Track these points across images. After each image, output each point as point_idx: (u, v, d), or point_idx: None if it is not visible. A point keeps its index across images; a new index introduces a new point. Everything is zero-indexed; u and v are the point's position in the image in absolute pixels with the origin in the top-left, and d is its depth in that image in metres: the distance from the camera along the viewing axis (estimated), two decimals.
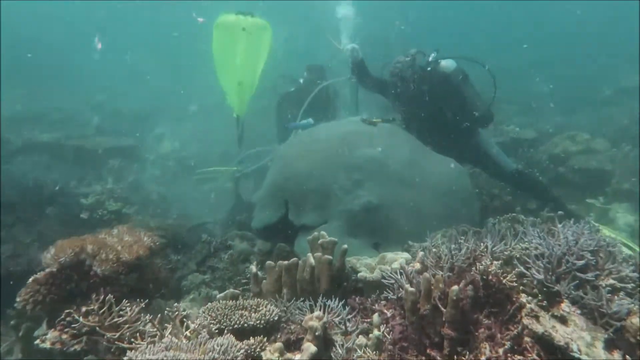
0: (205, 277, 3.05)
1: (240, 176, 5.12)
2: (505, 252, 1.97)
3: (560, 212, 3.10)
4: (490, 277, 1.82)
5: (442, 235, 2.87)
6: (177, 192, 6.26)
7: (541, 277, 1.64)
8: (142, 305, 1.71)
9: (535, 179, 4.47)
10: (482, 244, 2.20)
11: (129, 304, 1.72)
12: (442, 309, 1.73)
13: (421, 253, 2.21)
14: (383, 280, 2.03)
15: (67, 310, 1.67)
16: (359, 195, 3.29)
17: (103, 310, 1.65)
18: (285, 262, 2.09)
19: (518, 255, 1.90)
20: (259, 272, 2.18)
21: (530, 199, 4.56)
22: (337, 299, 1.95)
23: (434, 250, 2.19)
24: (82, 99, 12.23)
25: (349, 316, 1.84)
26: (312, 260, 2.08)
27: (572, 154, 6.38)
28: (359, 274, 2.13)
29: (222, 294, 2.05)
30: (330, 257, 2.14)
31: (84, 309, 1.67)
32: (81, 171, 6.07)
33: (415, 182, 3.43)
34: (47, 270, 1.93)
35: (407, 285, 1.79)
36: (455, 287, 1.71)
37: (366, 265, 2.22)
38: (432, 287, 1.81)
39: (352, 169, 3.38)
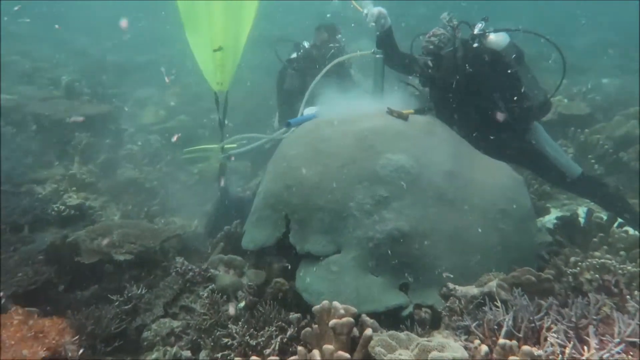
0: (175, 325, 2.47)
1: (226, 162, 4.40)
2: None
3: None
4: None
5: (500, 287, 2.23)
6: (160, 176, 5.61)
7: None
8: None
9: (604, 185, 3.76)
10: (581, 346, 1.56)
11: None
12: None
13: (484, 349, 1.58)
14: None
15: None
16: (383, 218, 2.63)
17: None
18: None
19: None
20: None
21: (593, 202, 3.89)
22: None
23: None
24: (61, 42, 11.34)
25: None
26: None
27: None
28: None
29: None
30: (347, 355, 1.51)
31: None
32: (42, 146, 5.40)
33: (460, 200, 2.75)
34: None
35: None
36: None
37: None
38: None
39: (374, 182, 2.70)
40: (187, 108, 8.30)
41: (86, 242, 3.31)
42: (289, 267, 2.96)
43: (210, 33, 4.02)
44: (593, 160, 5.71)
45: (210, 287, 2.71)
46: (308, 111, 3.74)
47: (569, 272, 2.19)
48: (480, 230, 2.69)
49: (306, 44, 4.62)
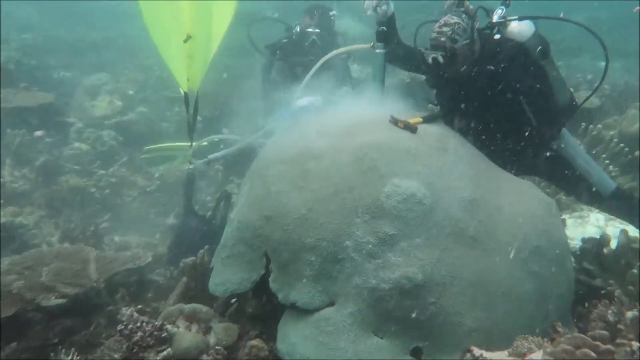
0: None
1: (195, 170, 3.87)
2: None
3: None
4: None
5: None
6: (113, 183, 4.99)
7: None
8: None
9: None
10: None
11: None
12: None
13: None
14: None
15: None
16: (389, 262, 2.19)
17: None
18: None
19: None
20: None
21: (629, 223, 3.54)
22: None
23: None
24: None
25: None
26: None
27: None
28: None
29: None
30: None
31: None
32: None
33: (484, 237, 2.33)
34: None
35: None
36: None
37: None
38: None
39: (377, 216, 2.25)
40: (148, 97, 7.61)
41: (8, 279, 2.76)
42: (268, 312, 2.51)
43: (174, 18, 3.41)
44: (607, 161, 5.45)
45: (165, 351, 2.22)
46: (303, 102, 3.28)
47: (636, 346, 1.78)
48: (510, 274, 2.28)
49: (298, 29, 4.17)
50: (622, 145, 5.50)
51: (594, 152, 5.33)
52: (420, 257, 2.19)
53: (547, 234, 2.45)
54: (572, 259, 2.74)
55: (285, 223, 2.35)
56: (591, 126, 5.85)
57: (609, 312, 2.28)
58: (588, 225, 4.90)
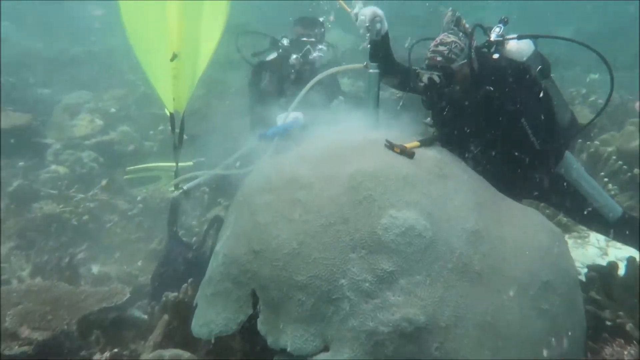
0: None
1: (180, 194, 3.70)
2: None
3: None
4: None
5: None
6: (92, 208, 4.79)
7: None
8: None
9: None
10: None
11: None
12: None
13: None
14: None
15: None
16: (388, 302, 2.05)
17: None
18: None
19: None
20: None
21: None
22: None
23: None
24: None
25: None
26: None
27: None
28: None
29: None
30: None
31: None
32: None
33: (489, 272, 2.19)
34: None
35: None
36: None
37: None
38: None
39: (374, 251, 2.11)
40: (131, 114, 7.44)
41: None
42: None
43: (160, 35, 3.27)
44: (606, 179, 5.42)
45: None
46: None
47: None
48: (519, 313, 2.14)
49: (285, 42, 4.06)
50: (620, 162, 5.47)
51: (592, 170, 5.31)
52: (422, 296, 2.05)
53: (555, 267, 2.32)
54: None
55: (275, 258, 2.20)
56: (588, 143, 5.83)
57: (626, 353, 2.16)
58: (588, 246, 4.81)
